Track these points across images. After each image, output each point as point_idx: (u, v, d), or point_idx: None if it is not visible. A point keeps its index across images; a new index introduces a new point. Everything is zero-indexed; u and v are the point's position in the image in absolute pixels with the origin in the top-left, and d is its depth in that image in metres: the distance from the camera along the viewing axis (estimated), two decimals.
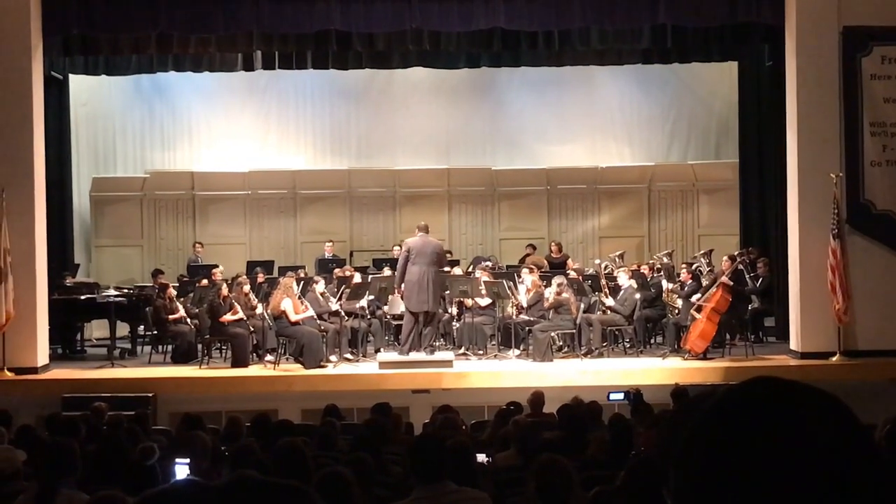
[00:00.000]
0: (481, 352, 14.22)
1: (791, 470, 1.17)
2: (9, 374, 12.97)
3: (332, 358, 13.69)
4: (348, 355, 13.97)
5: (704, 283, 14.19)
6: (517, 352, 14.15)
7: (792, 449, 1.18)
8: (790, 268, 14.03)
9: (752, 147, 17.05)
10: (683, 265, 15.26)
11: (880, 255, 13.58)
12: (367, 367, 13.57)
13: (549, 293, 14.04)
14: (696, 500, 1.22)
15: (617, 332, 14.47)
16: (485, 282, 14.35)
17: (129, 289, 16.10)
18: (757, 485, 1.17)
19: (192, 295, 15.12)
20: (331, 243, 17.84)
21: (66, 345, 15.21)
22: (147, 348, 14.99)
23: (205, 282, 15.17)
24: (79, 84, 17.75)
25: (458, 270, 15.60)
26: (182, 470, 6.50)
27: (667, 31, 15.00)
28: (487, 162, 19.49)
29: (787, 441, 1.18)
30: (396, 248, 15.20)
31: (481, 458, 7.25)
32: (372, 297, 14.55)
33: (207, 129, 19.51)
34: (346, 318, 14.20)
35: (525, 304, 14.21)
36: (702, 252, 16.01)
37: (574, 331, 14.00)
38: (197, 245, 17.92)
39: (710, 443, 1.23)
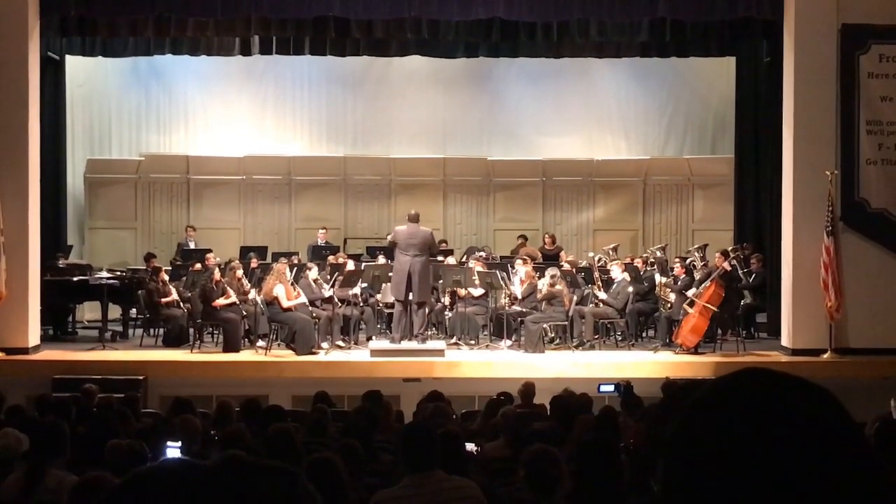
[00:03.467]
0: (473, 342, 14.23)
1: (780, 461, 1.17)
2: (0, 355, 12.96)
3: (324, 345, 13.70)
4: (340, 342, 13.97)
5: (697, 277, 14.19)
6: (509, 342, 14.16)
7: (781, 440, 1.18)
8: (783, 264, 14.05)
9: (748, 143, 17.05)
10: (677, 259, 15.25)
11: (874, 254, 13.60)
12: (358, 355, 13.57)
13: (543, 285, 14.06)
14: (685, 491, 1.22)
15: (609, 325, 14.48)
16: (478, 272, 14.36)
17: (121, 271, 16.08)
18: (746, 476, 1.17)
19: (185, 279, 15.10)
20: (324, 230, 17.84)
21: (58, 326, 15.18)
22: (139, 331, 14.99)
23: (198, 266, 15.15)
24: (75, 65, 17.70)
25: (451, 260, 15.60)
26: (174, 453, 6.49)
27: (665, 24, 15.00)
28: (483, 152, 19.48)
29: (776, 432, 1.18)
30: (390, 236, 15.18)
31: (470, 447, 7.26)
32: (365, 284, 14.56)
33: (203, 113, 19.48)
34: (339, 305, 14.20)
35: (519, 295, 14.21)
36: (696, 246, 16.02)
37: (566, 323, 14.02)
38: (189, 229, 17.90)
39: (699, 433, 1.22)
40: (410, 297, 13.32)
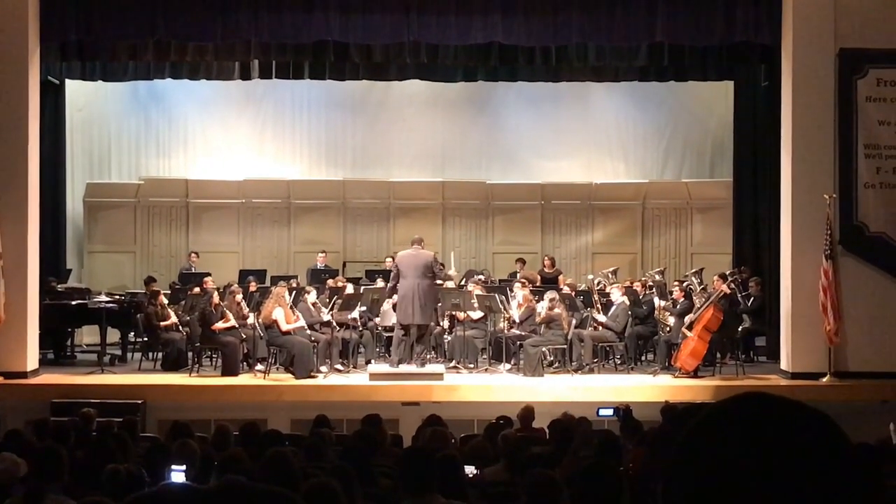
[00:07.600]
0: (472, 365, 14.21)
1: (780, 485, 1.17)
2: None
3: (323, 368, 13.67)
4: (339, 366, 13.95)
5: (696, 301, 14.19)
6: (508, 366, 14.14)
7: (780, 464, 1.18)
8: (782, 288, 14.04)
9: (746, 166, 17.08)
10: (676, 283, 15.25)
11: (872, 277, 13.59)
12: (357, 379, 13.54)
13: (542, 308, 14.05)
14: None
15: (608, 349, 14.47)
16: (477, 295, 14.35)
17: (120, 295, 16.06)
18: (745, 499, 1.17)
19: (183, 302, 15.09)
20: (324, 254, 17.84)
21: (57, 350, 15.16)
22: (137, 355, 14.96)
23: (197, 290, 15.14)
24: (75, 89, 17.75)
25: (450, 284, 15.60)
26: (179, 477, 6.47)
27: (664, 49, 15.04)
28: (482, 176, 19.51)
29: (775, 456, 1.18)
30: (389, 259, 15.17)
31: (469, 470, 7.23)
32: (364, 308, 14.54)
33: (203, 136, 19.51)
34: (338, 328, 14.18)
35: (517, 319, 14.21)
36: (693, 270, 16.03)
37: (565, 346, 14.00)
38: (192, 254, 17.84)
39: (700, 457, 1.23)
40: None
